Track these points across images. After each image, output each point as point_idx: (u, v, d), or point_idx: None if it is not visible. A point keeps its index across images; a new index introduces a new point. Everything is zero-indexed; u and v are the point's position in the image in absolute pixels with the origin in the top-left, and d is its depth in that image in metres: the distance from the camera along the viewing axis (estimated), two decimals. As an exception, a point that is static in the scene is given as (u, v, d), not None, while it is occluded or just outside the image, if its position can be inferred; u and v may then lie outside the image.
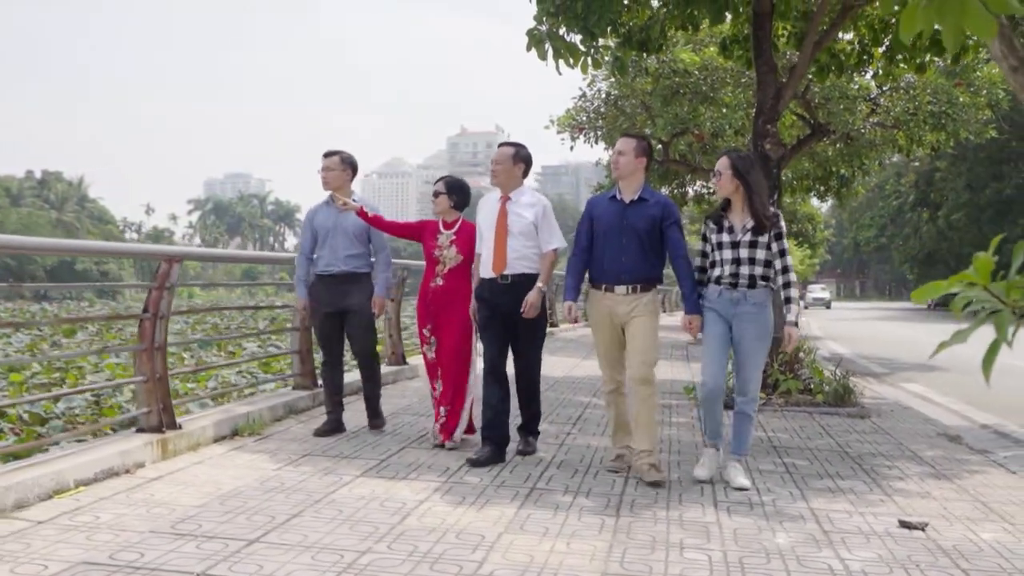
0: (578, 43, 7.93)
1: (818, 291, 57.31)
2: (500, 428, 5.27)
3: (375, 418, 6.17)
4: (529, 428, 5.62)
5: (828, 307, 54.15)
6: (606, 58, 9.76)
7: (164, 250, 5.73)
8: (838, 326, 29.03)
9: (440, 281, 5.62)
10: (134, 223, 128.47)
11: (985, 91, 13.88)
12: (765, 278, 4.72)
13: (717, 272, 4.75)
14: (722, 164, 4.77)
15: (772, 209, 4.79)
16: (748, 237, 4.70)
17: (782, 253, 4.73)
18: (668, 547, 3.64)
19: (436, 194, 5.72)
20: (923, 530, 4.02)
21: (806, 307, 51.59)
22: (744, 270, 4.68)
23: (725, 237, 4.75)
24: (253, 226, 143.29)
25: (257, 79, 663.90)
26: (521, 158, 5.38)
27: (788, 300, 4.71)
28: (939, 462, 5.69)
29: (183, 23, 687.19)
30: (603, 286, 4.89)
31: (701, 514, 4.19)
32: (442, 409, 5.59)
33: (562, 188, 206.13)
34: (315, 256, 6.05)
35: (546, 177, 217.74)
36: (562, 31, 7.84)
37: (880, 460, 5.67)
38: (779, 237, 4.73)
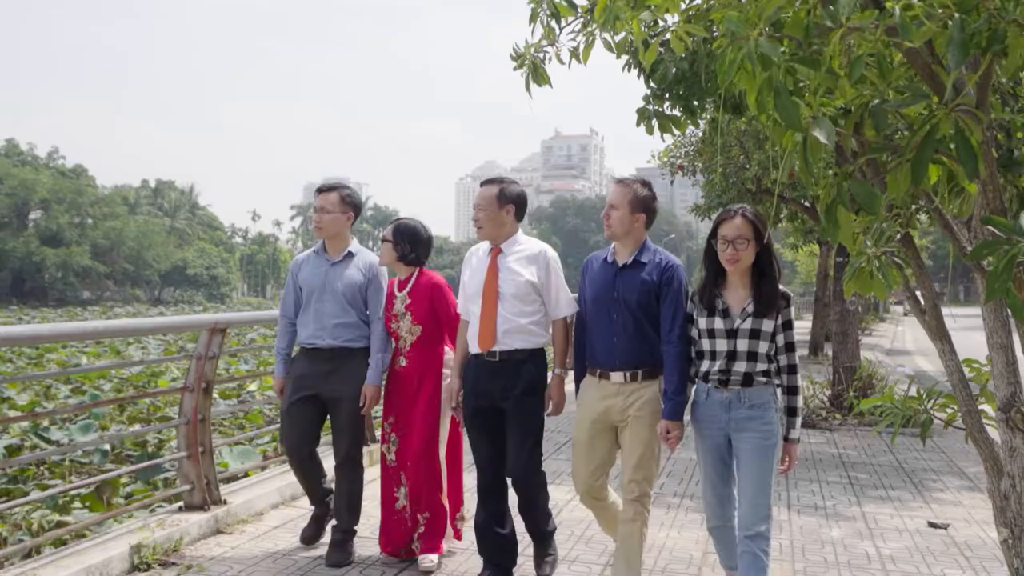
0: (678, 114, 9.43)
1: (917, 298, 56.77)
2: (506, 550, 4.22)
3: (339, 549, 4.56)
4: (540, 538, 4.38)
5: (928, 314, 53.51)
6: (703, 119, 11.24)
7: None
8: (933, 338, 29.32)
9: (404, 362, 4.50)
10: (241, 229, 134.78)
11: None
12: (766, 374, 3.61)
13: (705, 366, 3.68)
14: (741, 226, 3.55)
15: (782, 288, 3.66)
16: (749, 324, 3.58)
17: (789, 348, 3.64)
18: (750, 536, 5.11)
19: (383, 240, 4.64)
20: (945, 529, 5.38)
21: (904, 315, 51.47)
22: (739, 367, 3.58)
23: (718, 323, 3.63)
24: (353, 231, 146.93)
25: (352, 84, 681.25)
26: (508, 198, 4.18)
27: (791, 411, 3.65)
28: (978, 477, 6.93)
29: (272, 31, 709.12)
30: (597, 372, 3.91)
31: (776, 513, 5.60)
32: (420, 517, 4.50)
33: (657, 190, 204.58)
34: (298, 321, 4.75)
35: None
36: (666, 106, 9.34)
37: (929, 474, 6.99)
38: (787, 326, 3.63)
